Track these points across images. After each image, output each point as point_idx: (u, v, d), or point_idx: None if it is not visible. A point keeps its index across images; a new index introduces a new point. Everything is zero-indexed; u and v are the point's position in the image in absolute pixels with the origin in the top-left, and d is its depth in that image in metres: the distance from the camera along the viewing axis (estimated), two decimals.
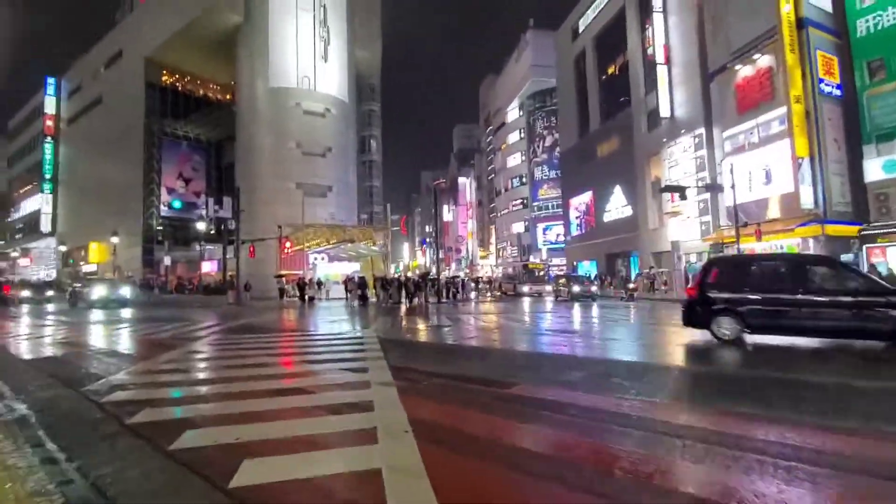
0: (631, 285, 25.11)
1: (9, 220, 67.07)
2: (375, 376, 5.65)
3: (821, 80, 21.31)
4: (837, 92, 21.69)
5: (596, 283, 27.50)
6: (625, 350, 8.55)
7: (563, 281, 26.34)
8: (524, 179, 60.42)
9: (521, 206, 61.28)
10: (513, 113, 62.63)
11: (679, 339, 9.01)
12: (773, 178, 22.94)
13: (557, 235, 51.21)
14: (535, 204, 57.08)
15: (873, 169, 20.37)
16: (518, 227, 61.20)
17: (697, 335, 8.75)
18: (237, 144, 40.37)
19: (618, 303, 22.83)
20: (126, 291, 24.08)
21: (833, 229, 20.57)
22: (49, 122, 55.67)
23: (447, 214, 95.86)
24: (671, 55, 30.12)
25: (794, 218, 21.26)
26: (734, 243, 22.26)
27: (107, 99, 49.89)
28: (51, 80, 56.66)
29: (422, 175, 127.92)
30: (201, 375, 6.37)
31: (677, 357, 7.70)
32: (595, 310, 18.34)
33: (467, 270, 70.72)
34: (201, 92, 49.81)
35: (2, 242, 66.91)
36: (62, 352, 8.55)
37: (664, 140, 30.08)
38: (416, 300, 24.33)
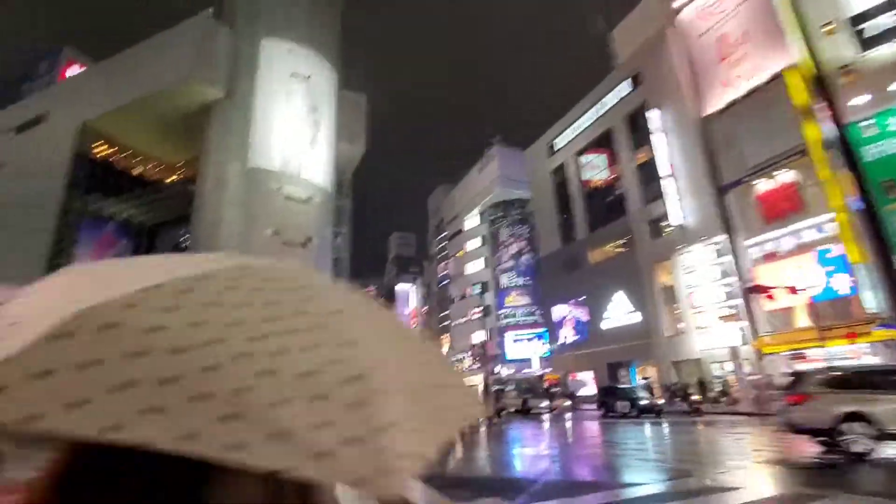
0: (695, 397, 22.64)
1: None
2: None
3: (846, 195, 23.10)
4: (860, 205, 23.57)
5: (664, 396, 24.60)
6: None
7: (621, 393, 23.05)
8: (487, 286, 58.91)
9: (481, 314, 58.79)
10: (472, 220, 63.06)
11: None
12: (816, 283, 23.28)
13: (544, 344, 48.57)
14: (502, 312, 55.01)
15: None
16: (479, 336, 57.93)
17: None
18: (195, 227, 33.93)
19: (688, 419, 20.20)
20: None
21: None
22: None
23: None
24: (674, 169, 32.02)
25: (856, 323, 21.08)
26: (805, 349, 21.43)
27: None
28: None
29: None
30: None
31: None
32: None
33: None
34: (137, 170, 43.03)
35: None
36: None
37: (678, 247, 30.47)
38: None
